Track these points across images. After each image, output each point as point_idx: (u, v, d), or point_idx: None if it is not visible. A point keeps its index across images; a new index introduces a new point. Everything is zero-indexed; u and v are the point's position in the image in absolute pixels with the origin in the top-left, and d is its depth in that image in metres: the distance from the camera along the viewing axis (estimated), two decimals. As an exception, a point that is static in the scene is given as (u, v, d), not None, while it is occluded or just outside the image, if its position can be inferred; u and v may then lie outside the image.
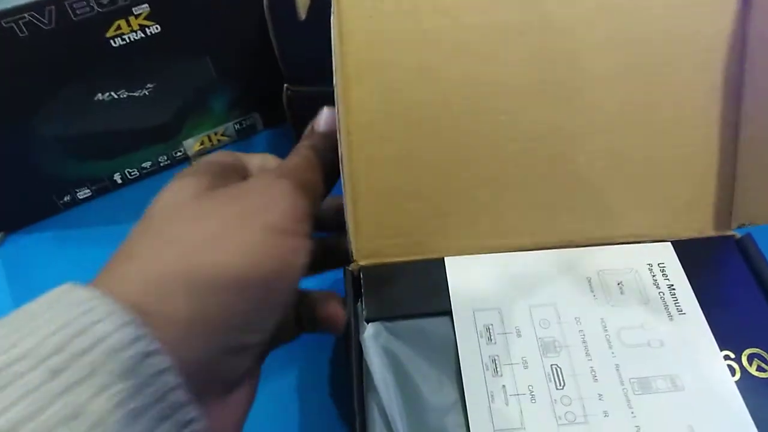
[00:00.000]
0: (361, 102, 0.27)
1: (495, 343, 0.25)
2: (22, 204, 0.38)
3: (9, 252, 0.38)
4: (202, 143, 0.41)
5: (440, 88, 0.27)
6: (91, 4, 0.31)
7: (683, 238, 0.27)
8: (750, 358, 0.24)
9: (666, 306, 0.26)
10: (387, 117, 0.27)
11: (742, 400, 0.23)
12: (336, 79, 0.25)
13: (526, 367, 0.24)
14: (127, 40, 0.33)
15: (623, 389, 0.23)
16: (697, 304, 0.26)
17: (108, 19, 0.32)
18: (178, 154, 0.41)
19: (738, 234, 0.28)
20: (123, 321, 0.15)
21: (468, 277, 0.27)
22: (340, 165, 0.25)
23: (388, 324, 0.25)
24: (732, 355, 0.24)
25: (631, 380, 0.24)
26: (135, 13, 0.33)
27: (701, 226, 0.28)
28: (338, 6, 0.26)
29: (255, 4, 0.33)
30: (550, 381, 0.24)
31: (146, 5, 0.33)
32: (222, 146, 0.42)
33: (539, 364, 0.24)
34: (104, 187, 0.40)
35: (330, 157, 0.25)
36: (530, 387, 0.24)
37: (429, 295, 0.26)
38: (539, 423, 0.23)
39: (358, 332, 0.25)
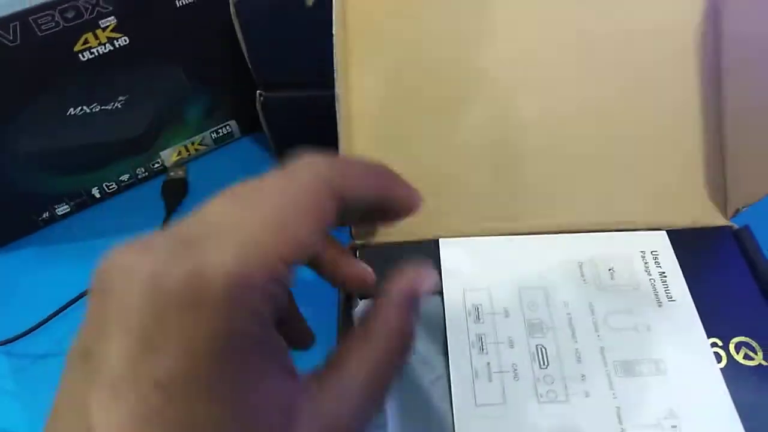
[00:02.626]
0: (358, 87, 0.27)
1: (483, 322, 0.25)
2: (1, 222, 0.38)
3: (-10, 272, 0.38)
4: (179, 153, 0.41)
5: (433, 75, 0.28)
6: (57, 19, 0.31)
7: (678, 227, 0.28)
8: (738, 347, 0.25)
9: (656, 293, 0.26)
10: (386, 100, 0.28)
11: (725, 386, 0.23)
12: (336, 67, 0.25)
13: (511, 347, 0.25)
14: (96, 53, 0.33)
15: (606, 371, 0.24)
16: (688, 292, 0.26)
17: (75, 33, 0.32)
18: (156, 165, 0.41)
19: (735, 225, 0.28)
20: None
21: (460, 258, 0.27)
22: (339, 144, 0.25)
23: None
24: (720, 343, 0.25)
25: (615, 363, 0.24)
26: (102, 26, 0.33)
27: (696, 214, 0.28)
28: None
29: (222, 10, 0.33)
30: (534, 360, 0.24)
31: (113, 17, 0.33)
32: (200, 155, 0.42)
33: (525, 343, 0.25)
34: (83, 202, 0.40)
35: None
36: (514, 365, 0.24)
37: None
38: (521, 399, 0.23)
39: (350, 308, 0.26)
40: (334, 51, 0.24)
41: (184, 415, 0.13)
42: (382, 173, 0.19)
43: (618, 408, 0.23)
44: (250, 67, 0.35)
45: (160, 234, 0.15)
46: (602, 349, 0.24)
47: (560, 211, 0.28)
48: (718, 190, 0.28)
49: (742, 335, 0.25)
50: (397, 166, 0.29)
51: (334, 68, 0.24)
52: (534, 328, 0.25)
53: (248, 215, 0.15)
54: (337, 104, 0.25)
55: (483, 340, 0.25)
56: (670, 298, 0.26)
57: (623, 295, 0.26)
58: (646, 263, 0.27)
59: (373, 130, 0.28)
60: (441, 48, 0.28)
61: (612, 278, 0.26)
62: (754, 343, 0.25)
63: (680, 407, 0.23)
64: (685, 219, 0.28)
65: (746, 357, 0.24)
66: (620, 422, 0.23)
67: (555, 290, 0.26)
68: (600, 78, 0.28)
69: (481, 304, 0.26)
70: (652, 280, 0.26)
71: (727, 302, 0.26)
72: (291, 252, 0.15)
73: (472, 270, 0.27)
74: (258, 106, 0.37)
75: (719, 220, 0.28)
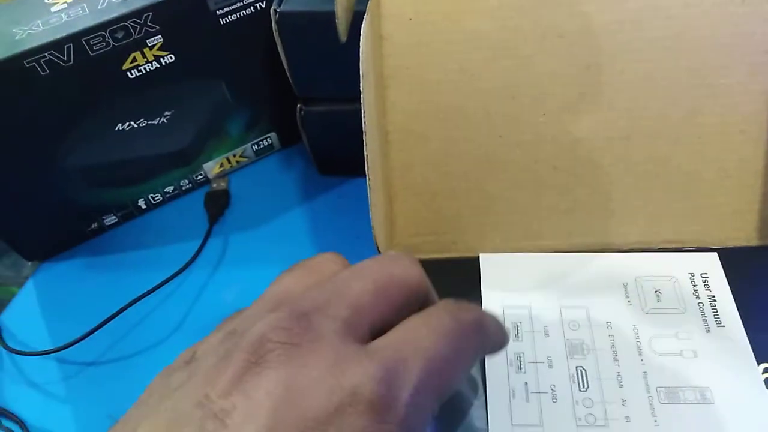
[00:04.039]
0: (399, 103, 0.27)
1: (522, 340, 0.25)
2: (52, 233, 0.39)
3: (42, 280, 0.39)
4: (221, 165, 0.42)
5: (478, 91, 0.27)
6: (107, 40, 0.32)
7: (728, 247, 0.27)
8: None
9: (704, 317, 0.25)
10: (425, 118, 0.28)
11: None
12: (364, 83, 0.25)
13: (550, 367, 0.24)
14: (143, 71, 0.34)
15: (648, 396, 0.23)
16: (738, 318, 0.25)
17: (124, 53, 0.33)
18: (199, 177, 0.42)
19: None
20: None
21: (501, 274, 0.27)
22: (370, 166, 0.25)
23: None
24: (766, 366, 0.24)
25: (658, 389, 0.23)
26: (149, 45, 0.34)
27: (747, 235, 0.28)
28: (378, 8, 0.26)
29: (264, 27, 0.34)
30: (574, 382, 0.24)
31: (159, 36, 0.34)
32: (241, 167, 0.43)
33: (564, 364, 0.24)
34: (129, 213, 0.41)
35: None
36: (552, 386, 0.24)
37: (462, 292, 0.26)
38: (558, 422, 0.23)
39: None
40: (362, 75, 0.24)
41: None
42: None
43: None
44: (290, 81, 0.36)
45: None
46: (645, 374, 0.24)
47: (608, 229, 0.28)
48: None
49: None
50: (438, 182, 0.29)
51: (361, 85, 0.24)
52: (575, 348, 0.25)
53: None
54: (364, 125, 0.24)
55: (521, 359, 0.24)
56: (719, 323, 0.25)
57: (670, 318, 0.25)
58: (695, 285, 0.26)
59: (412, 146, 0.28)
60: (484, 61, 0.28)
61: (658, 300, 0.26)
62: None
63: None
64: (739, 238, 0.27)
65: None
66: None
67: (598, 310, 0.25)
68: (658, 91, 0.27)
69: (520, 322, 0.25)
70: (701, 304, 0.25)
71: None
72: None
73: (513, 286, 0.26)
74: (298, 119, 0.37)
75: (769, 242, 0.27)
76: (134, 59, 0.34)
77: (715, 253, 0.27)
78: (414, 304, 0.18)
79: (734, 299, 0.25)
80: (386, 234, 0.27)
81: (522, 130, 0.28)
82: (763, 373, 0.24)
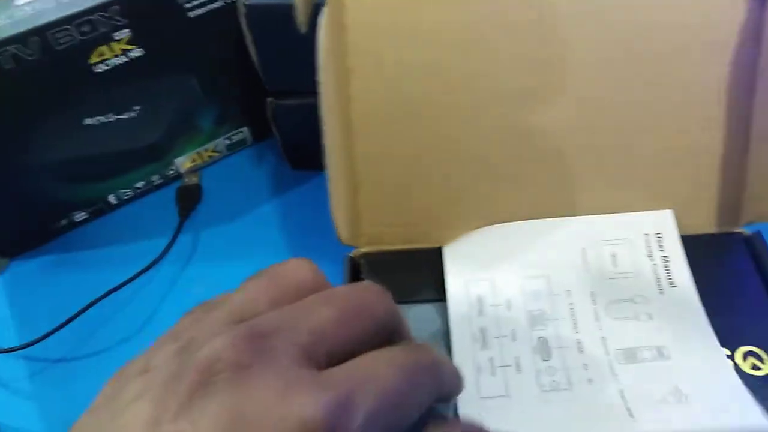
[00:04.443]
0: (363, 93, 0.27)
1: (485, 315, 0.25)
2: (22, 230, 0.39)
3: (11, 278, 0.39)
4: (193, 160, 0.42)
5: (442, 81, 0.27)
6: (73, 33, 0.32)
7: (687, 234, 0.27)
8: (745, 356, 0.24)
9: (658, 278, 0.26)
10: (390, 108, 0.28)
11: (732, 369, 0.23)
12: (323, 74, 0.25)
13: (514, 339, 0.25)
14: (111, 65, 0.34)
15: (608, 359, 0.24)
16: (690, 277, 0.26)
17: (90, 46, 0.33)
18: (171, 172, 0.42)
19: (747, 231, 0.28)
20: None
21: (463, 255, 0.27)
22: (329, 157, 0.25)
23: None
24: (727, 352, 0.24)
25: (617, 351, 0.24)
26: (116, 39, 0.34)
27: (706, 222, 0.28)
28: (341, 0, 0.26)
29: (234, 20, 0.34)
30: (536, 353, 0.24)
31: (127, 30, 0.34)
32: (213, 162, 0.43)
33: (527, 336, 0.25)
34: (99, 209, 0.40)
35: None
36: (516, 358, 0.24)
37: (427, 282, 0.27)
38: (524, 391, 0.23)
39: None
40: (319, 57, 0.24)
41: None
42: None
43: (621, 390, 0.23)
44: (260, 75, 0.36)
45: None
46: (604, 339, 0.24)
47: (569, 215, 0.28)
48: (733, 201, 0.28)
49: (750, 344, 0.24)
50: (403, 173, 0.29)
51: (319, 75, 0.24)
52: (536, 320, 0.25)
53: None
54: (322, 111, 0.24)
55: (486, 334, 0.25)
56: (671, 284, 0.26)
57: (625, 282, 0.26)
58: (649, 246, 0.27)
59: (377, 137, 0.28)
60: (447, 52, 0.28)
61: (615, 265, 0.26)
62: (761, 353, 0.24)
63: (686, 385, 0.23)
64: (697, 225, 0.28)
65: (754, 367, 0.24)
66: (625, 402, 0.23)
67: (557, 279, 0.26)
68: (618, 80, 0.27)
69: (484, 296, 0.26)
70: (655, 266, 0.26)
71: (736, 310, 0.25)
72: None
73: (475, 264, 0.27)
74: (268, 113, 0.37)
75: (731, 227, 0.28)
76: (101, 53, 0.34)
77: (670, 211, 0.27)
78: (379, 338, 0.18)
79: (695, 285, 0.26)
80: (350, 225, 0.27)
81: (485, 121, 0.28)
82: (727, 359, 0.24)
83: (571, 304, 0.25)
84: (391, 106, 0.28)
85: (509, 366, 0.24)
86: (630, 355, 0.24)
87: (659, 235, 0.27)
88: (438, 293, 0.27)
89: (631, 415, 0.22)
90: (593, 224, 0.27)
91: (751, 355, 0.24)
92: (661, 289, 0.25)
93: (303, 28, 0.25)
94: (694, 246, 0.27)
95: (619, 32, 0.27)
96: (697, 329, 0.24)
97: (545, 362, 0.24)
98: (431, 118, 0.28)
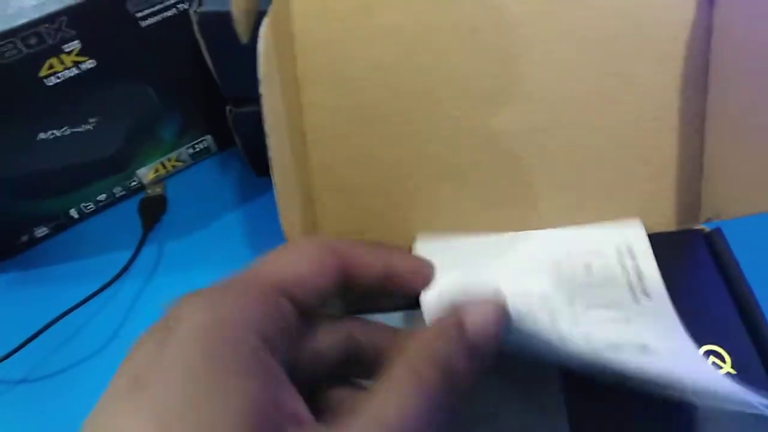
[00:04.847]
0: (315, 102, 0.27)
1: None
2: (-20, 248, 0.38)
3: (-29, 297, 0.38)
4: (156, 171, 0.41)
5: (395, 87, 0.27)
6: (19, 46, 0.31)
7: (649, 233, 0.27)
8: (706, 354, 0.24)
9: (632, 288, 0.25)
10: (344, 116, 0.27)
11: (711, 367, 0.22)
12: (264, 86, 0.24)
13: None
14: (62, 78, 0.33)
15: (591, 348, 0.22)
16: (663, 285, 0.25)
17: (39, 59, 0.32)
18: (134, 183, 0.41)
19: (707, 228, 0.28)
20: None
21: (435, 260, 0.26)
22: (278, 170, 0.25)
23: None
24: None
25: (599, 343, 0.23)
26: (66, 51, 0.33)
27: (666, 220, 0.28)
28: (287, 5, 0.26)
29: (188, 28, 0.33)
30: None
31: (77, 42, 0.33)
32: (177, 172, 0.42)
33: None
34: (61, 224, 0.40)
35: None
36: None
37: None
38: None
39: None
40: (260, 69, 0.23)
41: None
42: (388, 248, 0.21)
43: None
44: (217, 82, 0.35)
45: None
46: (587, 334, 0.23)
47: (532, 220, 0.28)
48: (692, 199, 0.28)
49: (711, 343, 0.24)
50: (360, 181, 0.29)
51: (260, 88, 0.23)
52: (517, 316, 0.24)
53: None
54: (266, 124, 0.24)
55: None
56: (646, 294, 0.25)
57: (600, 292, 0.25)
58: (621, 257, 0.26)
59: (332, 146, 0.27)
60: (399, 57, 0.27)
61: (588, 275, 0.26)
62: (722, 352, 0.24)
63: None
64: (659, 223, 0.27)
65: (714, 365, 0.24)
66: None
67: (531, 290, 0.25)
68: (574, 81, 0.27)
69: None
70: (628, 276, 0.26)
71: (697, 308, 0.25)
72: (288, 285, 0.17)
73: (446, 273, 0.26)
74: (229, 121, 0.37)
75: (691, 224, 0.28)
76: (51, 66, 0.33)
77: (640, 222, 0.27)
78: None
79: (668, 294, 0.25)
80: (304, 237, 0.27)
81: (441, 125, 0.27)
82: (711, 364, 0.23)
83: (549, 308, 0.24)
84: (345, 114, 0.27)
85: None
86: (615, 349, 0.23)
87: (630, 246, 0.26)
88: (405, 300, 0.26)
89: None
90: (565, 235, 0.27)
91: (713, 354, 0.24)
92: (636, 299, 0.25)
93: (244, 38, 0.25)
94: (655, 244, 0.27)
95: (573, 32, 0.26)
96: (674, 339, 0.24)
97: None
98: (388, 125, 0.28)
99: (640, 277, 0.26)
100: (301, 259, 0.18)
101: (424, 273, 0.21)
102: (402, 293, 0.21)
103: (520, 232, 0.27)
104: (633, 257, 0.26)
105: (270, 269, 0.18)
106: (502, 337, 0.19)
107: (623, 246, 0.27)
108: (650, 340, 0.23)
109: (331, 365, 0.18)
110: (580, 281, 0.26)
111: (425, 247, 0.27)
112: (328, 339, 0.19)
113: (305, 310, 0.18)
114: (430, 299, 0.25)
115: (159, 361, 0.15)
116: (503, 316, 0.18)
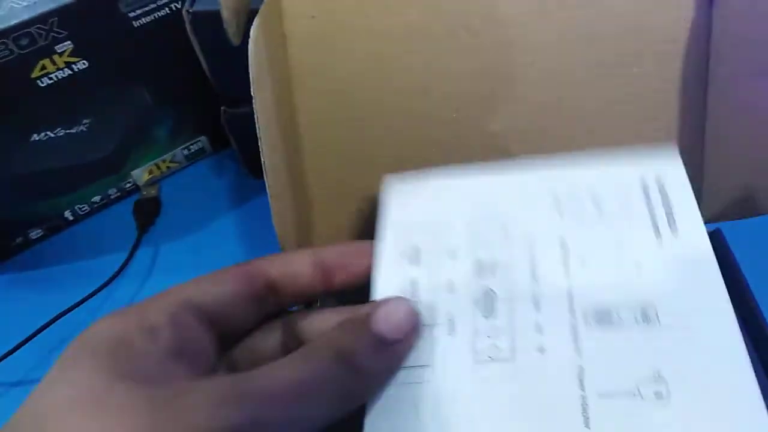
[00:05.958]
0: (309, 103, 0.27)
1: (420, 264, 0.21)
2: (-26, 250, 0.38)
3: (-34, 299, 0.38)
4: (151, 172, 0.41)
5: (389, 88, 0.27)
6: (10, 47, 0.31)
7: None
8: None
9: (654, 220, 0.20)
10: (338, 117, 0.27)
11: (745, 351, 0.17)
12: (256, 88, 0.24)
13: (451, 292, 0.20)
14: (55, 79, 0.33)
15: (572, 321, 0.18)
16: (700, 220, 0.20)
17: (31, 60, 0.32)
18: (128, 185, 0.41)
19: (707, 228, 0.27)
20: None
21: (406, 193, 0.24)
22: (272, 173, 0.25)
23: None
24: None
25: (585, 310, 0.18)
26: (58, 51, 0.32)
27: None
28: (278, 5, 0.25)
29: (182, 28, 0.33)
30: (477, 308, 0.19)
31: (69, 42, 0.32)
32: (172, 173, 0.42)
33: (468, 287, 0.20)
34: (56, 226, 0.39)
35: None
36: (450, 315, 0.19)
37: None
38: (451, 358, 0.18)
39: None
40: (252, 70, 0.23)
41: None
42: (324, 247, 0.22)
43: (581, 368, 0.17)
44: (211, 82, 0.35)
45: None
46: (570, 293, 0.19)
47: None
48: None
49: None
50: (356, 183, 0.28)
51: (252, 90, 0.23)
52: (484, 267, 0.20)
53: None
54: (258, 127, 0.24)
55: (416, 286, 0.20)
56: (673, 228, 0.20)
57: (609, 225, 0.20)
58: (645, 186, 0.21)
59: (326, 148, 0.27)
60: (392, 58, 0.27)
61: (596, 208, 0.21)
62: None
63: (670, 367, 0.17)
64: None
65: None
66: (581, 387, 0.17)
67: (517, 223, 0.21)
68: (570, 82, 0.26)
69: (422, 244, 0.21)
70: (651, 207, 0.21)
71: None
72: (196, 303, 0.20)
73: (419, 205, 0.23)
74: (223, 121, 0.37)
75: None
76: (43, 67, 0.33)
77: (676, 148, 0.22)
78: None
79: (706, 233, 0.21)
80: (299, 241, 0.27)
81: (436, 127, 0.27)
82: (742, 336, 0.18)
83: (531, 249, 0.20)
84: (339, 116, 0.27)
85: (440, 325, 0.19)
86: (603, 317, 0.18)
87: (660, 175, 0.22)
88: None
89: (587, 424, 0.16)
90: (569, 168, 0.23)
91: None
92: (659, 234, 0.20)
93: (236, 40, 0.24)
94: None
95: (571, 32, 0.26)
96: (701, 289, 0.18)
97: (486, 320, 0.19)
98: (379, 127, 0.27)
99: (668, 208, 0.21)
100: (215, 283, 0.20)
101: (355, 264, 0.21)
102: (343, 287, 0.22)
103: (514, 161, 0.24)
104: (662, 186, 0.21)
105: (178, 291, 0.20)
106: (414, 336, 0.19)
107: (651, 175, 0.22)
108: (659, 297, 0.18)
109: (274, 357, 0.19)
110: (583, 217, 0.21)
111: (395, 185, 0.24)
112: (266, 337, 0.21)
113: (228, 323, 0.20)
114: (391, 237, 0.22)
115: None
116: (412, 315, 0.19)
